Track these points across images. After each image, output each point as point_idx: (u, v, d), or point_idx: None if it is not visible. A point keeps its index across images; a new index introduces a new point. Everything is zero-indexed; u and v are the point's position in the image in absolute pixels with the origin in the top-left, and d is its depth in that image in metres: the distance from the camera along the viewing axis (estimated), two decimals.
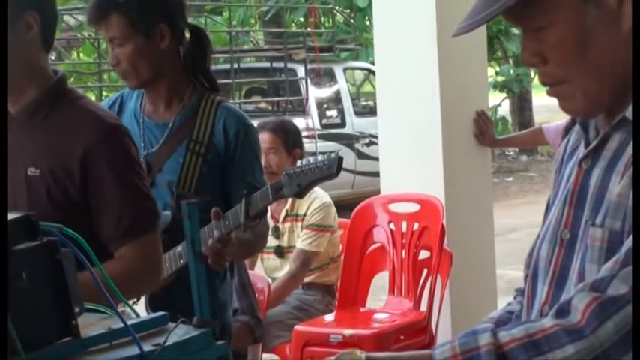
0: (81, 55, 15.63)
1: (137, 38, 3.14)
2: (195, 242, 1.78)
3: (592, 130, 1.65)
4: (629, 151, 1.54)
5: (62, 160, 2.48)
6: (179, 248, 3.10)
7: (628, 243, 1.45)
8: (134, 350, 1.53)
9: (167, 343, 1.57)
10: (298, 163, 3.04)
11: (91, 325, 1.60)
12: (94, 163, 2.46)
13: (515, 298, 1.82)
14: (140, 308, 3.09)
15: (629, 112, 1.55)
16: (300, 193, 3.04)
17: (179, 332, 1.62)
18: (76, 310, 1.55)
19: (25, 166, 2.48)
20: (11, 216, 1.51)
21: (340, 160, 2.96)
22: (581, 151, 1.65)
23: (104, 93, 12.05)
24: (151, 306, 3.13)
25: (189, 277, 1.72)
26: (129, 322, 1.60)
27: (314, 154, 7.32)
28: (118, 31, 3.13)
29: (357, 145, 13.61)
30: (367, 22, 16.00)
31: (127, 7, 3.11)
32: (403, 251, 4.96)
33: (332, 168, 2.93)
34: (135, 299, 3.18)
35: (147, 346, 1.55)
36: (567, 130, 3.05)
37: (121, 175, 2.50)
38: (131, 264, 2.45)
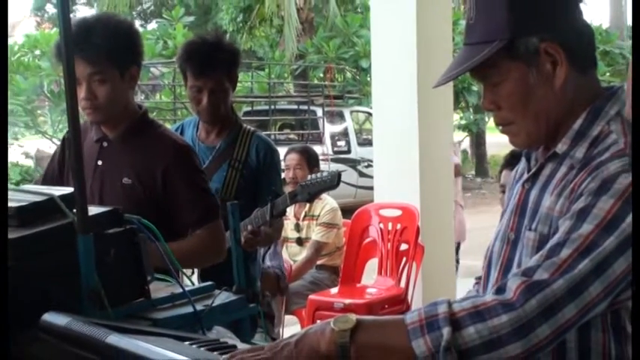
0: (162, 96, 15.66)
1: (229, 87, 3.11)
2: (236, 232, 1.78)
3: (533, 160, 1.65)
4: (557, 176, 1.53)
5: (147, 172, 2.44)
6: None
7: (551, 242, 1.43)
8: (189, 309, 1.53)
9: (213, 305, 1.57)
10: (309, 177, 3.03)
11: (158, 290, 1.60)
12: (172, 173, 2.44)
13: (474, 286, 1.81)
14: (194, 279, 3.08)
15: (558, 148, 1.55)
16: (310, 199, 3.05)
17: (222, 297, 1.62)
18: (148, 278, 1.55)
19: (120, 177, 2.46)
20: (103, 209, 1.52)
21: (339, 175, 2.97)
22: (525, 176, 1.64)
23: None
24: (202, 277, 3.12)
25: (230, 258, 1.71)
26: (186, 289, 1.59)
27: None
28: (219, 82, 3.07)
29: (359, 167, 13.58)
30: (368, 78, 15.98)
31: (229, 64, 3.08)
32: (389, 244, 4.94)
33: (333, 180, 2.94)
34: (191, 271, 3.17)
35: (199, 307, 1.55)
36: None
37: (192, 181, 2.48)
38: (204, 241, 2.43)
